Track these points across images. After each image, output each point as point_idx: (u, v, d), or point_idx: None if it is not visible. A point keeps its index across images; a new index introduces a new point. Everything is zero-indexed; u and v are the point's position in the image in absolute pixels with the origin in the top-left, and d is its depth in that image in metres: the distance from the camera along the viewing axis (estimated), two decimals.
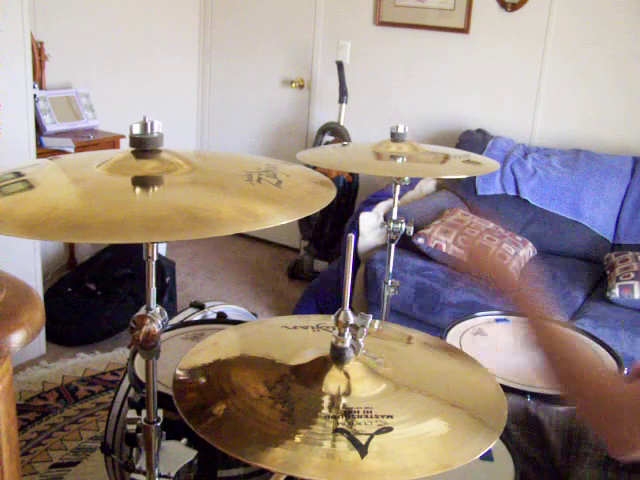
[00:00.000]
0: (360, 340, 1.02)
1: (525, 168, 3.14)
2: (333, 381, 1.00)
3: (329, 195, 1.03)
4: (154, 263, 0.96)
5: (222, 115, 4.43)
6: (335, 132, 3.73)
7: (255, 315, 1.97)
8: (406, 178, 1.76)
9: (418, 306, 2.70)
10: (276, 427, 0.92)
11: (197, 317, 1.79)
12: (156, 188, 0.95)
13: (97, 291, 3.12)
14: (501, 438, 1.25)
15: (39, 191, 0.95)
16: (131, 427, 1.04)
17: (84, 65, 3.60)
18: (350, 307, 1.02)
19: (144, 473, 1.02)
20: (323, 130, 3.76)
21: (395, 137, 1.69)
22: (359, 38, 3.82)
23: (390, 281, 1.87)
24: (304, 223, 3.74)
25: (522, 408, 1.37)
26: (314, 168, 1.44)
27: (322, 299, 3.14)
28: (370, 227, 2.97)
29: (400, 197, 2.17)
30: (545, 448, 1.34)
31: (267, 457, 0.87)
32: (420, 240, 2.74)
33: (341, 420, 0.93)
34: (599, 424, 0.98)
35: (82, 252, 3.63)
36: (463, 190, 3.28)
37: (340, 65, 3.71)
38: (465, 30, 3.48)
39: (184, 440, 1.09)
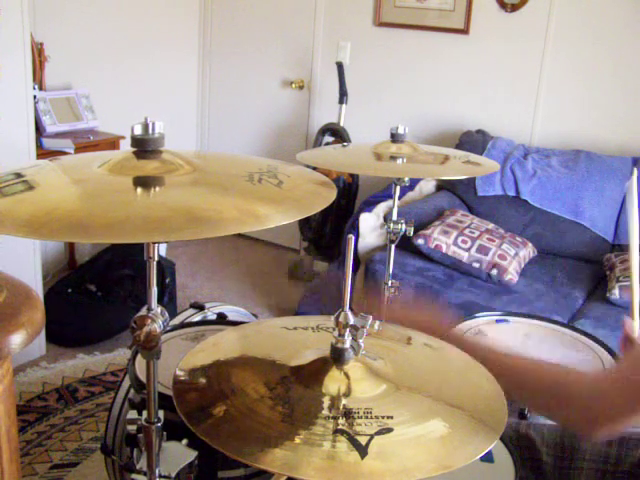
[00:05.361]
0: (360, 341, 1.01)
1: (525, 169, 3.15)
2: (333, 382, 1.00)
3: (329, 196, 1.03)
4: (155, 263, 0.96)
5: (222, 115, 4.43)
6: (335, 133, 3.73)
7: (255, 316, 1.97)
8: (406, 179, 1.75)
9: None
10: (276, 428, 0.92)
11: (197, 318, 1.78)
12: (157, 188, 0.95)
13: (97, 292, 3.13)
14: (501, 439, 1.25)
15: (39, 192, 0.95)
16: (131, 428, 1.04)
17: (84, 66, 3.60)
18: (350, 308, 1.02)
19: (144, 474, 1.02)
20: (323, 131, 3.76)
21: (395, 138, 1.69)
22: (359, 39, 3.82)
23: (390, 282, 1.87)
24: (304, 224, 3.74)
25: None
26: (314, 169, 1.44)
27: (322, 300, 3.14)
28: (370, 228, 2.97)
29: (400, 198, 2.17)
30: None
31: (267, 458, 0.87)
32: (420, 241, 2.75)
33: (341, 421, 0.93)
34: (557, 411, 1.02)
35: (82, 253, 3.63)
36: (463, 191, 3.28)
37: (340, 66, 3.71)
38: (465, 31, 3.48)
39: (185, 441, 1.09)
